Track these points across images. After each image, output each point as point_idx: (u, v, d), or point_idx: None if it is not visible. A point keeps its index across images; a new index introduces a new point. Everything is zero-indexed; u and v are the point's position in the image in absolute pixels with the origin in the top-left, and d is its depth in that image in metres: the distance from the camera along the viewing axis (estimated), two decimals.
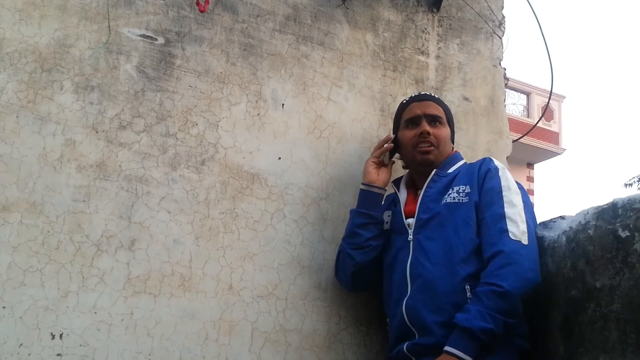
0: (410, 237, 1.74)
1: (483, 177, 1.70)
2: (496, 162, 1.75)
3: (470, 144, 2.36)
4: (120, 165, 1.78)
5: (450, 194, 1.72)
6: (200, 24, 1.98)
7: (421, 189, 1.81)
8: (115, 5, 1.86)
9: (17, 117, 1.69)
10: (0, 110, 1.67)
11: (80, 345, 1.63)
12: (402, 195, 1.87)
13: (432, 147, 1.81)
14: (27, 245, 1.63)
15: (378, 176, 1.87)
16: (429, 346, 1.59)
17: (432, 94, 1.95)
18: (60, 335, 1.62)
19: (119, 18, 1.86)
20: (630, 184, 14.54)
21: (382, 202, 1.90)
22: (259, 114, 2.00)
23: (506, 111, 2.55)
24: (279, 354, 1.83)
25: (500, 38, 2.55)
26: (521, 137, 3.52)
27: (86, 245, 1.69)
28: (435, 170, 1.80)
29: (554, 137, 16.12)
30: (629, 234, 1.38)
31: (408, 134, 1.85)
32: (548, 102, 3.68)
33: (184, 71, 1.92)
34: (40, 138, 1.70)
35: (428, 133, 1.81)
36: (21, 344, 1.57)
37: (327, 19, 2.20)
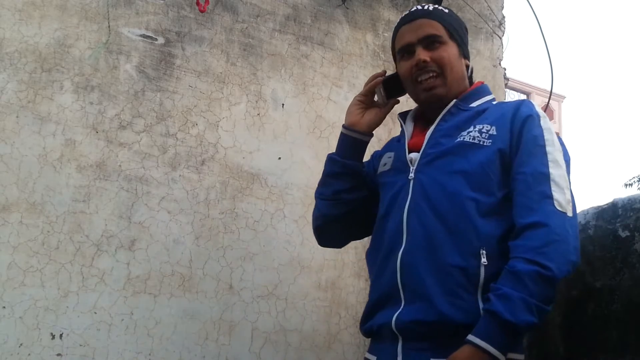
0: (412, 175, 1.38)
1: (522, 121, 1.34)
2: (537, 108, 1.39)
3: None
4: (120, 165, 1.78)
5: (471, 131, 1.37)
6: (200, 24, 1.98)
7: (434, 122, 1.45)
8: (115, 5, 1.86)
9: (17, 117, 1.69)
10: (0, 110, 1.67)
11: (80, 345, 1.63)
12: (409, 127, 1.51)
13: (436, 78, 1.43)
14: (27, 245, 1.63)
15: (362, 118, 1.53)
16: (428, 324, 1.25)
17: (426, 6, 1.54)
18: (60, 335, 1.62)
19: (119, 18, 1.86)
20: (630, 184, 14.54)
21: (365, 150, 1.58)
22: (259, 114, 2.00)
23: None
24: (279, 354, 1.83)
25: (500, 38, 2.55)
26: None
27: (86, 245, 1.69)
28: (455, 100, 1.44)
29: None
30: (629, 234, 1.38)
31: (404, 67, 1.47)
32: (548, 102, 3.67)
33: (184, 71, 1.92)
34: (40, 138, 1.70)
35: (425, 62, 1.43)
36: (21, 344, 1.57)
37: (327, 19, 2.20)
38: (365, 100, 1.55)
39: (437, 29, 1.46)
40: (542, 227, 1.23)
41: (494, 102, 1.48)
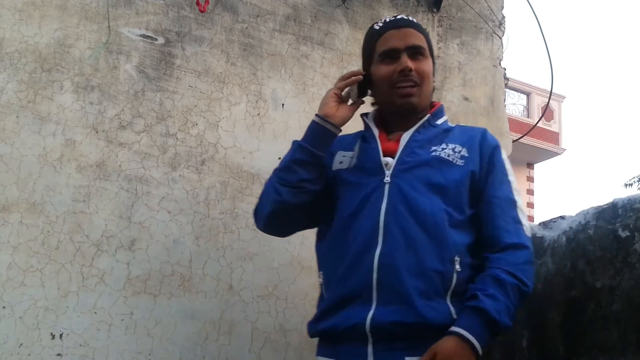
0: (388, 179, 1.42)
1: (492, 150, 1.49)
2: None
3: None
4: (120, 165, 1.78)
5: (445, 148, 1.46)
6: (200, 24, 1.98)
7: (397, 131, 1.52)
8: (115, 5, 1.86)
9: (17, 117, 1.69)
10: (0, 110, 1.67)
11: (80, 345, 1.63)
12: (376, 131, 1.54)
13: (415, 87, 1.49)
14: (27, 245, 1.63)
15: (337, 111, 1.51)
16: (408, 325, 1.29)
17: (411, 18, 1.59)
18: (60, 335, 1.62)
19: (119, 18, 1.86)
20: (630, 184, 14.53)
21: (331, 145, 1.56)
22: (259, 114, 2.00)
23: (506, 111, 2.55)
24: (279, 354, 1.83)
25: (500, 38, 2.55)
26: (521, 137, 3.52)
27: (86, 245, 1.69)
28: (428, 115, 1.52)
29: (554, 137, 16.12)
30: (629, 234, 1.38)
31: (384, 70, 1.50)
32: (548, 102, 3.68)
33: (184, 71, 1.92)
34: (40, 138, 1.70)
35: (410, 70, 1.47)
36: (21, 344, 1.57)
37: (327, 19, 2.20)
38: (340, 95, 1.54)
39: (422, 41, 1.52)
40: (524, 249, 1.38)
41: (450, 124, 1.58)
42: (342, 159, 1.53)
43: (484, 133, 1.53)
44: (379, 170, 1.45)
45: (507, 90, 2.69)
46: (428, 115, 1.52)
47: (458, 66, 2.42)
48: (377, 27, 1.55)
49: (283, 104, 2.05)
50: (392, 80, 1.49)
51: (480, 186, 1.45)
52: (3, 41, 1.71)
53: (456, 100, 2.37)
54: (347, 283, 1.37)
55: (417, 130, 1.50)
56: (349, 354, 1.34)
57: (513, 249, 1.37)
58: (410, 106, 1.50)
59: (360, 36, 2.25)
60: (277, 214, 1.49)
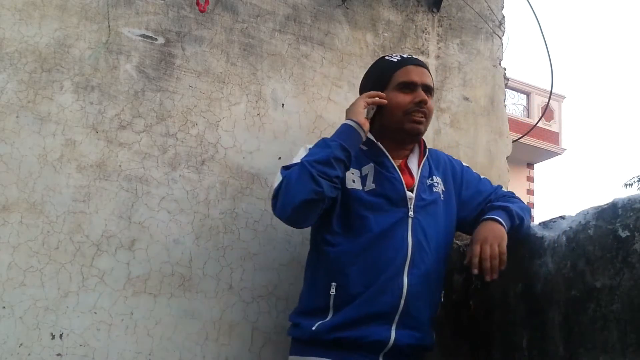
0: (412, 214, 1.61)
1: (460, 173, 1.79)
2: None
3: (470, 144, 2.36)
4: (120, 165, 1.78)
5: (437, 184, 1.71)
6: (200, 24, 1.98)
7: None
8: (115, 5, 1.86)
9: (17, 117, 1.69)
10: (0, 110, 1.67)
11: (80, 345, 1.63)
12: (392, 160, 1.69)
13: (424, 118, 1.69)
14: (27, 245, 1.63)
15: (365, 122, 1.64)
16: (417, 347, 1.60)
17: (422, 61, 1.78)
18: (60, 335, 1.62)
19: (119, 18, 1.86)
20: (630, 184, 14.54)
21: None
22: (259, 114, 2.00)
23: (506, 111, 2.55)
24: (279, 354, 1.83)
25: (500, 38, 2.55)
26: (521, 137, 3.52)
27: (86, 245, 1.69)
28: (428, 152, 1.75)
29: (554, 137, 16.11)
30: (629, 234, 1.37)
31: (402, 98, 1.67)
32: (548, 102, 3.68)
33: (184, 71, 1.92)
34: (40, 138, 1.70)
35: (425, 103, 1.68)
36: (21, 344, 1.57)
37: (327, 19, 2.20)
38: (367, 106, 1.67)
39: (432, 83, 1.74)
40: (515, 196, 1.78)
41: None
42: (353, 177, 1.64)
43: (451, 161, 1.81)
44: (403, 202, 1.62)
45: (507, 90, 2.69)
46: (427, 152, 1.75)
47: (458, 66, 2.42)
48: (395, 60, 1.73)
49: (283, 104, 2.05)
50: (407, 109, 1.67)
51: (464, 200, 1.75)
52: (3, 41, 1.71)
53: (456, 100, 2.37)
54: (376, 303, 1.54)
55: (424, 166, 1.71)
56: None
57: (508, 195, 1.77)
58: (418, 132, 1.70)
59: (361, 36, 2.25)
60: (311, 203, 1.53)
